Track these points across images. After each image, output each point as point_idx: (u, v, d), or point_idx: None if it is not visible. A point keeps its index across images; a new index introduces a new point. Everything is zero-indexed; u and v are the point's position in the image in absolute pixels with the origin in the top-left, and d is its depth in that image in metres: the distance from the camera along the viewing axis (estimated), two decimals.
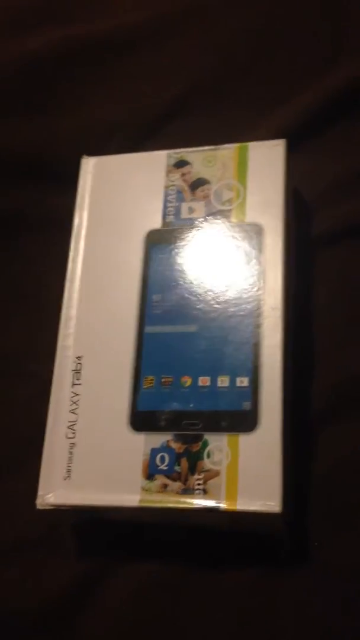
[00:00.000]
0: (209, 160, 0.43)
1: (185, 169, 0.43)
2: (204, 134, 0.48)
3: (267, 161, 0.42)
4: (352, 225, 0.44)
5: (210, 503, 0.35)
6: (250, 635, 0.37)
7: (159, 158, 0.43)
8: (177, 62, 0.52)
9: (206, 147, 0.43)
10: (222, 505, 0.35)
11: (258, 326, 0.38)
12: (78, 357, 0.40)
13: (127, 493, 0.36)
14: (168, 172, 0.43)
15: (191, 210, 0.42)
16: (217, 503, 0.35)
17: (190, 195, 0.42)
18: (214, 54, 0.51)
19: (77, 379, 0.39)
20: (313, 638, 0.36)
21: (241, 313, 0.39)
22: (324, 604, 0.37)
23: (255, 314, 0.38)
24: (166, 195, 0.42)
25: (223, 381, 0.38)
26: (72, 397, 0.39)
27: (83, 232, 0.43)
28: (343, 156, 0.46)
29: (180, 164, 0.43)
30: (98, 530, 0.40)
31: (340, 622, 0.36)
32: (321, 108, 0.48)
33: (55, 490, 0.37)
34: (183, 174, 0.43)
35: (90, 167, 0.44)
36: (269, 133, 0.46)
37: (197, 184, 0.42)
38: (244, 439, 0.36)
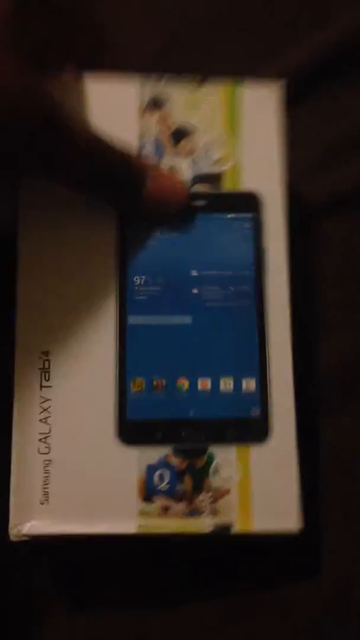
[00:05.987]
0: (193, 102, 0.35)
1: (163, 112, 0.35)
2: None
3: (262, 108, 0.35)
4: (344, 194, 0.40)
5: (221, 526, 0.31)
6: None
7: (129, 90, 0.34)
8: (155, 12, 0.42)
9: (188, 80, 0.35)
10: (236, 528, 0.32)
11: (262, 316, 0.33)
12: (44, 353, 0.33)
13: (122, 518, 0.31)
14: (142, 113, 0.34)
15: (174, 170, 0.34)
16: (229, 525, 0.32)
17: (172, 148, 0.34)
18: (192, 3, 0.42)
19: (46, 380, 0.32)
20: None
21: (241, 300, 0.33)
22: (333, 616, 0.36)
23: (257, 301, 0.33)
24: (141, 147, 0.34)
25: (226, 384, 0.33)
26: (41, 402, 0.32)
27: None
28: (332, 120, 0.41)
29: (157, 103, 0.35)
30: None
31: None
32: (310, 66, 0.41)
33: (31, 518, 0.31)
34: (162, 118, 0.34)
35: None
36: None
37: (181, 134, 0.34)
38: (255, 451, 0.32)
